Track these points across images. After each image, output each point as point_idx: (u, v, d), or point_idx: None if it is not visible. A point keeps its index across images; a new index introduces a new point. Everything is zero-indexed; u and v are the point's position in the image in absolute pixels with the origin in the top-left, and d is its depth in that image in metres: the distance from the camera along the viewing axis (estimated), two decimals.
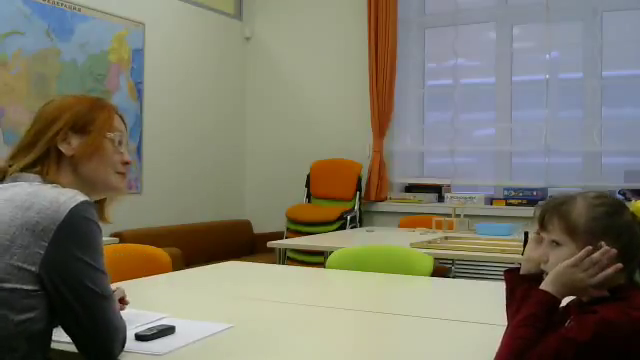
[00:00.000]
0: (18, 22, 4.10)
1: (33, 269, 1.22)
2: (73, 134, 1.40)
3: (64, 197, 1.27)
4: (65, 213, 1.24)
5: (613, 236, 1.23)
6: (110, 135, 1.44)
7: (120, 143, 1.46)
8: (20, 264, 1.21)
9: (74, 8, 4.46)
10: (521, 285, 1.33)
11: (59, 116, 1.40)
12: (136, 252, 2.69)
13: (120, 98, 4.82)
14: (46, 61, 4.27)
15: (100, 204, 1.50)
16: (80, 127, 1.40)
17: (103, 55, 4.69)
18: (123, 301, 1.66)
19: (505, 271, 1.44)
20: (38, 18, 4.21)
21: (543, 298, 1.25)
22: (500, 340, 1.23)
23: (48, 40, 4.28)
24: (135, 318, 1.65)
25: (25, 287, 1.22)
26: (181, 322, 1.59)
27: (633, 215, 1.27)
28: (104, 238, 3.69)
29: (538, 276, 1.32)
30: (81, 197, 1.29)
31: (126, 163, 1.47)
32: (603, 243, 1.22)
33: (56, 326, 1.31)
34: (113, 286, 1.70)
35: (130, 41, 4.93)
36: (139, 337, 1.46)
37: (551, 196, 1.23)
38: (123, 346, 1.34)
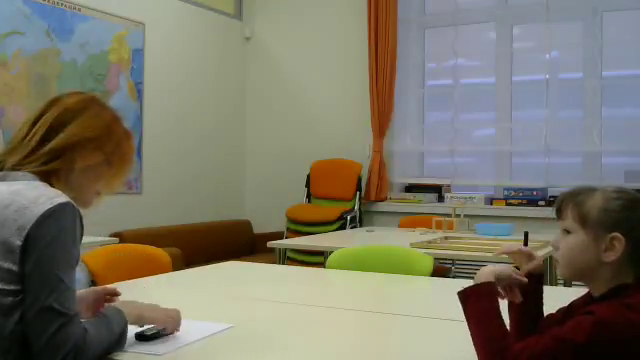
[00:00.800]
0: (18, 22, 4.10)
1: (14, 268, 1.22)
2: (92, 148, 1.40)
3: (44, 198, 1.26)
4: (41, 212, 1.24)
5: (625, 230, 1.21)
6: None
7: None
8: (1, 263, 1.22)
9: (74, 8, 4.46)
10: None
11: (86, 127, 1.39)
12: (136, 252, 2.69)
13: (120, 98, 4.82)
14: (46, 61, 4.27)
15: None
16: (105, 147, 1.41)
17: (103, 55, 4.69)
18: (110, 299, 1.64)
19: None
20: (38, 18, 4.21)
21: (481, 290, 1.28)
22: None
23: (48, 40, 4.28)
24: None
25: (6, 288, 1.22)
26: (181, 322, 1.59)
27: None
28: (103, 238, 3.68)
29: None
30: (61, 198, 1.28)
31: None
32: (617, 235, 1.21)
33: None
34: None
35: (130, 41, 4.93)
36: (139, 337, 1.46)
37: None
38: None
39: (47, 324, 1.20)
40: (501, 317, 1.24)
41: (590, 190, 1.28)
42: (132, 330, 1.48)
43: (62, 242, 1.25)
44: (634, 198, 1.26)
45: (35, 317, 1.21)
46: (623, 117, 5.01)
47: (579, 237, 1.25)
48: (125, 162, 1.47)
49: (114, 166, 1.44)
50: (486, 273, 1.31)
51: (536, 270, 1.41)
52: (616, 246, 1.21)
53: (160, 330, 1.48)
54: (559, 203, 1.32)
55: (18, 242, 1.22)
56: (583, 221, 1.25)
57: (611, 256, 1.22)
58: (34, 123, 1.38)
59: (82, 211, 1.35)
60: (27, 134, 1.37)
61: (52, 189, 1.31)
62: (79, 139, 1.38)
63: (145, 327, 1.49)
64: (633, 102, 4.98)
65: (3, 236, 1.23)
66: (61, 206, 1.26)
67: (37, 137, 1.36)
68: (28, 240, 1.22)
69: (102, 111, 1.46)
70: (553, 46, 5.13)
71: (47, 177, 1.35)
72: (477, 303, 1.27)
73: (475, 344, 1.24)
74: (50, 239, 1.24)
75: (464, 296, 1.30)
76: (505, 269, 1.33)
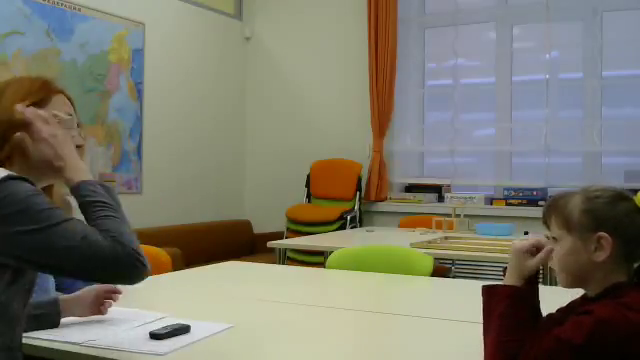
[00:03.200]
0: (18, 22, 4.10)
1: None
2: (12, 116, 1.33)
3: None
4: None
5: (610, 228, 1.21)
6: (57, 119, 1.37)
7: (70, 127, 1.40)
8: None
9: (74, 8, 4.46)
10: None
11: (8, 101, 1.34)
12: None
13: (120, 98, 4.82)
14: (46, 61, 4.27)
15: (49, 189, 1.43)
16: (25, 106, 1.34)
17: (103, 55, 4.69)
18: (109, 297, 1.65)
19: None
20: (38, 18, 4.21)
21: (507, 292, 1.26)
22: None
23: (48, 40, 4.28)
24: (135, 318, 1.65)
25: None
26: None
27: (635, 206, 1.23)
28: None
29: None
30: (2, 173, 1.23)
31: (78, 147, 1.40)
32: (603, 234, 1.20)
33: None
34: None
35: (130, 41, 4.93)
36: (153, 336, 1.48)
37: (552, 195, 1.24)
38: (131, 237, 1.29)
39: (72, 250, 1.21)
40: (520, 323, 1.22)
41: (570, 194, 1.27)
42: (146, 329, 1.52)
43: (15, 198, 1.22)
44: (615, 194, 1.24)
45: (57, 261, 1.21)
46: (623, 117, 5.02)
47: (567, 243, 1.25)
48: (45, 100, 1.38)
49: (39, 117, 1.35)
50: (509, 274, 1.29)
51: (532, 270, 1.42)
52: (604, 245, 1.21)
53: (174, 330, 1.50)
54: (543, 213, 1.32)
55: None
56: (567, 226, 1.25)
57: (601, 256, 1.21)
58: None
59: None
60: None
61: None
62: (4, 115, 1.32)
63: (160, 327, 1.51)
64: (633, 102, 4.98)
65: None
66: (3, 182, 1.22)
67: None
68: None
69: (20, 82, 1.40)
70: (553, 46, 5.14)
71: (4, 164, 1.31)
72: (498, 306, 1.25)
73: (485, 345, 1.23)
74: (6, 210, 1.20)
75: (487, 292, 1.29)
76: (525, 266, 1.29)
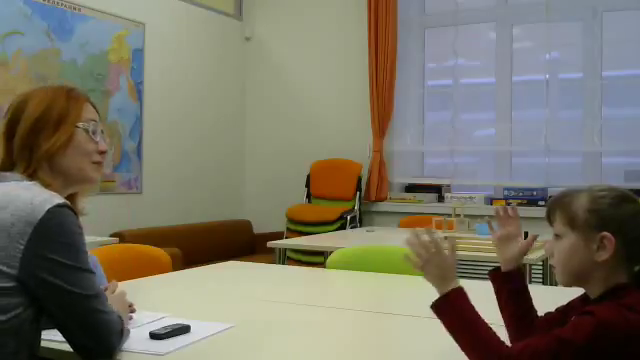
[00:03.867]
0: (18, 22, 4.10)
1: (12, 272, 1.22)
2: (46, 127, 1.37)
3: (39, 199, 1.26)
4: (40, 216, 1.24)
5: (614, 228, 1.20)
6: (83, 125, 1.42)
7: (94, 132, 1.44)
8: (0, 266, 1.22)
9: (74, 8, 4.46)
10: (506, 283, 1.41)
11: (32, 111, 1.38)
12: (136, 252, 2.69)
13: (120, 98, 4.82)
14: (46, 61, 4.27)
15: (73, 197, 1.46)
16: (53, 120, 1.38)
17: (103, 55, 4.69)
18: (131, 307, 1.66)
19: (489, 272, 1.48)
20: (38, 18, 4.21)
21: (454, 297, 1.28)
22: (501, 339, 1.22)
23: (48, 40, 4.28)
24: (135, 318, 1.65)
25: (7, 285, 1.22)
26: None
27: None
28: (103, 238, 3.68)
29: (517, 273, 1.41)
30: (57, 199, 1.28)
31: (102, 152, 1.45)
32: (607, 234, 1.20)
33: (47, 324, 1.32)
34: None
35: (130, 41, 4.93)
36: (153, 336, 1.48)
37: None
38: (121, 338, 1.34)
39: (83, 311, 1.28)
40: (481, 318, 1.22)
41: (576, 192, 1.27)
42: (146, 329, 1.51)
43: (70, 237, 1.27)
44: (621, 195, 1.24)
45: (68, 310, 1.27)
46: (623, 117, 5.01)
47: (570, 240, 1.25)
48: (77, 112, 1.42)
49: (71, 123, 1.40)
50: (443, 267, 1.30)
51: (512, 262, 1.43)
52: (607, 245, 1.20)
53: (174, 330, 1.50)
54: (547, 209, 1.32)
55: (20, 246, 1.22)
56: (572, 224, 1.25)
57: (603, 255, 1.21)
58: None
59: (87, 204, 1.43)
60: None
61: (42, 190, 1.30)
62: (31, 124, 1.37)
63: (160, 327, 1.51)
64: (633, 102, 4.98)
65: (3, 240, 1.22)
66: (58, 208, 1.26)
67: (2, 141, 1.38)
68: (31, 245, 1.22)
69: (44, 91, 1.43)
70: (553, 46, 5.13)
71: (33, 174, 1.35)
72: (453, 314, 1.25)
73: (467, 353, 1.21)
74: (55, 240, 1.25)
75: (438, 310, 1.28)
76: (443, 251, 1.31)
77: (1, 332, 1.22)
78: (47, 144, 1.36)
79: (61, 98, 1.42)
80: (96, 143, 1.44)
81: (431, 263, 1.30)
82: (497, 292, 1.45)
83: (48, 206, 1.25)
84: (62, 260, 1.24)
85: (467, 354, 1.20)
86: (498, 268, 1.47)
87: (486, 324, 1.21)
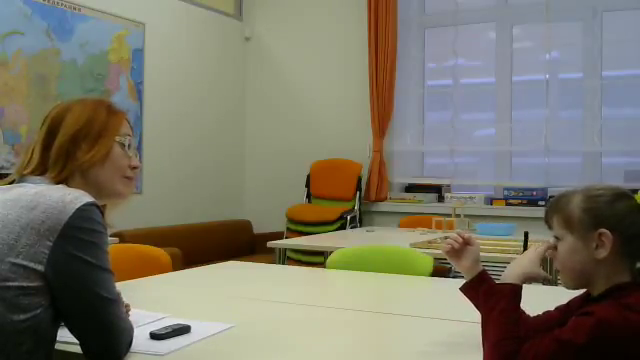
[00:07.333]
0: (18, 22, 4.10)
1: (39, 268, 1.23)
2: (85, 139, 1.40)
3: (70, 197, 1.28)
4: (70, 213, 1.25)
5: (611, 225, 1.21)
6: (120, 139, 1.45)
7: (129, 147, 1.48)
8: (26, 263, 1.22)
9: (74, 8, 4.46)
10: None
11: (73, 121, 1.41)
12: (136, 252, 2.69)
13: (120, 98, 4.82)
14: (46, 61, 4.27)
15: (102, 209, 1.50)
16: (94, 133, 1.41)
17: (103, 55, 4.69)
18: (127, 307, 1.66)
19: (460, 289, 1.49)
20: (38, 18, 4.21)
21: (510, 289, 1.27)
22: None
23: (48, 40, 4.28)
24: (135, 318, 1.65)
25: (31, 284, 1.23)
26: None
27: (636, 204, 1.23)
28: None
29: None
30: (87, 198, 1.30)
31: (134, 167, 1.48)
32: (603, 230, 1.20)
33: (61, 323, 1.32)
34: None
35: (130, 41, 4.93)
36: (153, 336, 1.48)
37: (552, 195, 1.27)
38: (129, 348, 1.35)
39: (104, 313, 1.29)
40: (519, 321, 1.23)
41: (571, 193, 1.28)
42: (147, 329, 1.51)
43: (98, 237, 1.29)
44: (616, 193, 1.25)
45: (90, 310, 1.27)
46: (623, 117, 5.01)
47: (569, 242, 1.25)
48: (116, 126, 1.45)
49: (110, 137, 1.43)
50: (516, 273, 1.31)
51: (475, 266, 1.47)
52: (605, 242, 1.20)
53: (174, 330, 1.50)
54: (545, 214, 1.32)
55: (49, 243, 1.23)
56: (569, 225, 1.25)
57: (602, 253, 1.21)
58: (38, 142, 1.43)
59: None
60: (32, 152, 1.42)
61: (73, 189, 1.33)
62: (71, 135, 1.39)
63: (160, 327, 1.51)
64: (633, 102, 4.98)
65: (33, 238, 1.23)
66: (89, 205, 1.28)
67: (39, 148, 1.40)
68: (60, 241, 1.23)
69: (84, 103, 1.46)
70: (553, 46, 5.13)
71: (64, 182, 1.38)
72: (499, 303, 1.25)
73: (485, 342, 1.23)
74: (84, 238, 1.26)
75: (488, 293, 1.30)
76: (535, 273, 1.32)
77: (19, 331, 1.22)
78: (86, 156, 1.39)
79: (102, 112, 1.45)
80: (129, 158, 1.47)
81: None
82: (476, 303, 1.44)
83: (79, 204, 1.26)
84: (88, 259, 1.26)
85: (484, 345, 1.23)
86: (465, 283, 1.48)
87: (517, 327, 1.22)
